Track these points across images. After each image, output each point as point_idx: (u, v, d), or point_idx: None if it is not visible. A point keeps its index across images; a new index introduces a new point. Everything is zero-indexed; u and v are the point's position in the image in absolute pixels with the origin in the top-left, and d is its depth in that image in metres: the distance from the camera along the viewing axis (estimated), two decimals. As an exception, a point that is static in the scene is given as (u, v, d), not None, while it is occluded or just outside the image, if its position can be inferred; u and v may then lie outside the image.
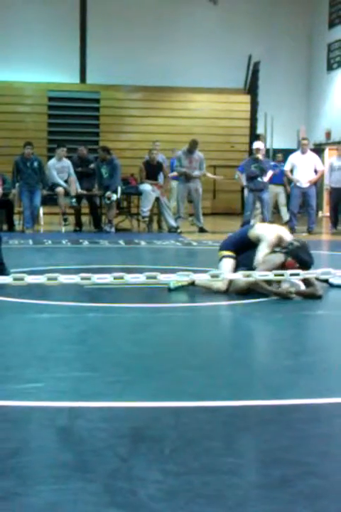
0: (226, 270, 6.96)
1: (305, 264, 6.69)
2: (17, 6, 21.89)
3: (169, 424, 3.44)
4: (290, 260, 6.71)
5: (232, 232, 7.95)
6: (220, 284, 6.93)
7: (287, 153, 15.98)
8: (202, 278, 6.62)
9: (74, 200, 14.37)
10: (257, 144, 14.93)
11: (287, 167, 15.12)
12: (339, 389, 4.07)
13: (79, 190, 14.51)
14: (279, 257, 6.78)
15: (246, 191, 15.75)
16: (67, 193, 14.40)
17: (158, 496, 2.63)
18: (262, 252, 6.87)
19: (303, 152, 15.08)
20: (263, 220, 14.65)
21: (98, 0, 22.38)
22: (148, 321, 5.96)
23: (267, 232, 7.07)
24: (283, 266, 6.64)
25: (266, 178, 14.55)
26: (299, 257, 6.72)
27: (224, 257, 7.26)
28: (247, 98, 23.03)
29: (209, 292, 7.04)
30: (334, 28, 22.81)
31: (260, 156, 14.49)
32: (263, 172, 14.44)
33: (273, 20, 23.43)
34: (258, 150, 14.53)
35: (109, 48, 22.28)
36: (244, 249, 7.16)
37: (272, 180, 15.38)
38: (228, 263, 7.16)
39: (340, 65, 22.42)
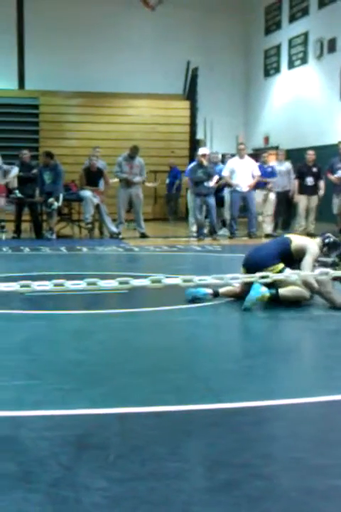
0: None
1: None
2: None
3: (113, 430, 3.42)
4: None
5: (259, 247, 7.29)
6: (306, 293, 6.65)
7: (226, 158, 16.11)
8: (286, 291, 6.50)
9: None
10: (203, 150, 15.25)
11: (225, 173, 15.24)
12: (281, 391, 4.12)
13: (19, 195, 14.39)
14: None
15: (189, 196, 15.83)
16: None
17: (103, 504, 2.62)
18: (309, 265, 6.62)
19: (241, 157, 15.25)
20: (211, 224, 14.79)
21: (36, 6, 22.20)
22: (90, 327, 5.93)
23: (311, 244, 6.83)
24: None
25: (211, 183, 14.78)
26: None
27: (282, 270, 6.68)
28: (186, 104, 23.14)
29: (152, 297, 7.04)
30: (270, 35, 23.12)
31: (205, 162, 14.73)
32: (209, 177, 14.70)
33: (211, 26, 23.62)
34: (204, 156, 14.85)
35: (47, 53, 22.12)
36: (285, 262, 6.74)
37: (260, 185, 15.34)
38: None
39: (277, 71, 22.73)
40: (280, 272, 6.63)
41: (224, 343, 5.44)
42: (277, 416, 3.70)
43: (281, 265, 6.67)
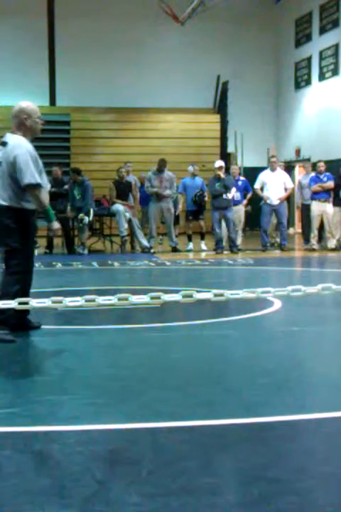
0: None
1: None
2: (-15, 30, 21.87)
3: (146, 445, 3.42)
4: None
5: None
6: None
7: (257, 171, 16.09)
8: None
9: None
10: (219, 163, 15.16)
11: (257, 185, 15.22)
12: (315, 405, 4.08)
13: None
14: None
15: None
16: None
17: (136, 519, 2.61)
18: None
19: (273, 170, 15.21)
20: (230, 239, 14.64)
21: (66, 23, 22.42)
22: (122, 342, 5.94)
23: None
24: None
25: (230, 195, 14.72)
26: None
27: None
28: (217, 117, 23.17)
29: (184, 312, 7.04)
30: (300, 47, 23.07)
31: (222, 174, 14.65)
32: (227, 189, 14.62)
33: (241, 40, 23.64)
34: (220, 168, 14.77)
35: (78, 70, 22.33)
36: None
37: (317, 196, 14.94)
38: None
39: (308, 84, 22.66)
40: None
41: (257, 356, 5.41)
42: (311, 430, 3.66)
43: None
